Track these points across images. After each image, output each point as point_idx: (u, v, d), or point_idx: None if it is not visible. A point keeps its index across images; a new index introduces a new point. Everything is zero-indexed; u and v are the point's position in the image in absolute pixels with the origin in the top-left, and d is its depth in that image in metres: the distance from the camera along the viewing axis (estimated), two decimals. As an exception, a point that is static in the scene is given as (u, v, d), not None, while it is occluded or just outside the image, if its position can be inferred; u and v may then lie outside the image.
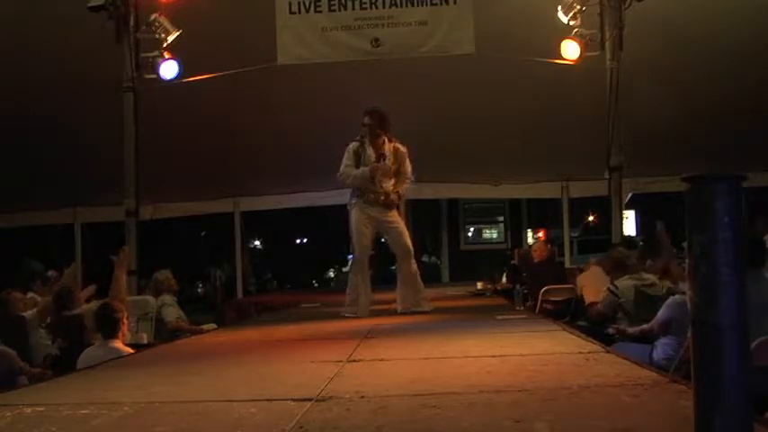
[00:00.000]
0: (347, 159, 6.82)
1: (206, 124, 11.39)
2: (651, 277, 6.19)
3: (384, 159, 6.76)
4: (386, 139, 6.86)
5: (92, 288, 6.99)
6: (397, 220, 6.91)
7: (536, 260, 9.21)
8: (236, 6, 9.53)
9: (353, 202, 6.90)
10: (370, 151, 6.79)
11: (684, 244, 1.96)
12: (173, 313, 7.40)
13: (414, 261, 6.98)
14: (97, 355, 4.87)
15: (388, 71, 10.17)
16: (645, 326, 5.28)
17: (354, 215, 6.87)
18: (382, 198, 6.79)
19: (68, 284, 6.32)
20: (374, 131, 6.76)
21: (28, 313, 6.04)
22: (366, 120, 6.76)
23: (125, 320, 5.24)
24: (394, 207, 6.92)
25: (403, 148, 6.95)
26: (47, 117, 10.96)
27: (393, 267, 7.35)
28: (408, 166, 6.96)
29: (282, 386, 3.27)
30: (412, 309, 6.85)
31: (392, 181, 6.84)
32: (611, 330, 5.82)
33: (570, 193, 14.45)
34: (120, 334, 5.14)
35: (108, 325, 5.10)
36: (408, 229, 7.16)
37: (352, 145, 6.84)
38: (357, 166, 6.77)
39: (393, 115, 10.78)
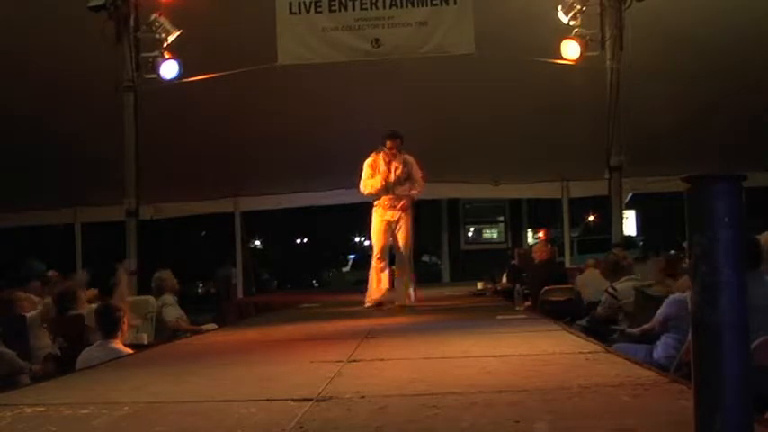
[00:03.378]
0: (365, 173, 7.79)
1: (206, 124, 11.40)
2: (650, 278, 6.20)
3: (396, 170, 7.69)
4: (398, 153, 7.76)
5: (92, 292, 7.00)
6: (405, 223, 7.77)
7: (537, 260, 9.20)
8: (236, 6, 9.53)
9: (374, 208, 7.87)
10: (382, 164, 7.73)
11: (685, 244, 1.96)
12: (173, 313, 7.39)
13: (409, 260, 7.92)
14: (97, 355, 4.87)
15: (388, 71, 10.16)
16: (646, 325, 5.28)
17: (374, 219, 7.87)
18: (395, 202, 7.72)
19: (74, 286, 6.31)
20: (396, 153, 7.70)
21: (30, 314, 6.04)
22: (389, 144, 7.68)
23: (125, 321, 5.24)
24: (406, 209, 7.80)
25: (410, 158, 7.82)
26: (47, 117, 10.96)
27: (393, 267, 7.98)
28: (418, 173, 7.80)
29: (282, 386, 3.27)
30: (412, 303, 7.79)
31: (404, 186, 7.74)
32: (615, 336, 5.81)
33: (570, 193, 14.45)
34: (120, 334, 5.14)
35: (108, 325, 5.10)
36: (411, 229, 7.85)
37: (368, 161, 7.79)
38: (374, 177, 7.77)
39: (393, 115, 10.88)
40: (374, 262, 7.91)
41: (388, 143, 7.68)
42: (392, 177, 7.66)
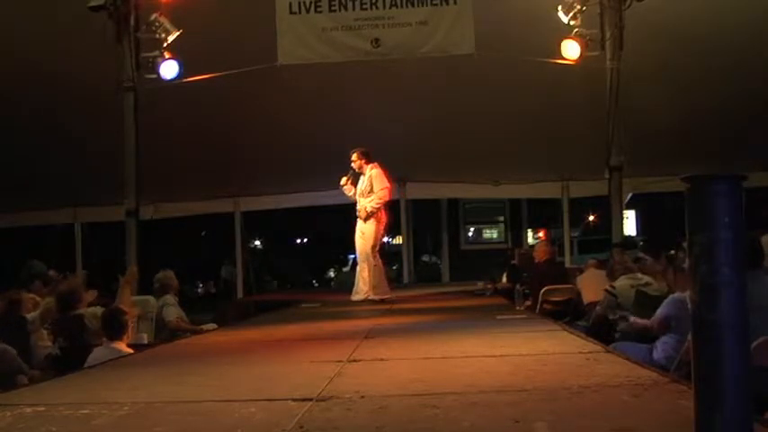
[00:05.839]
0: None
1: (206, 124, 11.39)
2: (646, 277, 6.20)
3: (361, 184, 8.70)
4: (367, 167, 8.65)
5: (93, 293, 6.98)
6: (365, 229, 8.74)
7: (538, 260, 9.18)
8: (236, 6, 9.53)
9: None
10: (346, 178, 8.83)
11: (685, 244, 1.96)
12: (174, 313, 7.38)
13: (370, 261, 8.76)
14: (101, 356, 4.88)
15: (388, 71, 10.16)
16: (647, 321, 5.28)
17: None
18: (359, 213, 8.77)
19: (76, 286, 6.31)
20: (361, 167, 8.68)
21: (31, 315, 6.04)
22: (352, 159, 8.66)
23: (131, 324, 5.27)
24: (367, 218, 8.70)
25: (376, 171, 8.65)
26: (47, 117, 10.96)
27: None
28: (379, 185, 8.64)
29: (282, 386, 3.27)
30: (376, 296, 8.65)
31: (368, 199, 8.65)
32: (611, 316, 5.83)
33: (570, 193, 14.43)
34: (126, 337, 5.16)
35: (114, 327, 5.12)
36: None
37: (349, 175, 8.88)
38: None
39: (393, 115, 10.89)
40: (356, 263, 9.23)
41: (351, 159, 8.70)
42: (356, 191, 8.73)
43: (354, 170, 8.73)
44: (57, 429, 2.60)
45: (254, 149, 12.26)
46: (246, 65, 9.13)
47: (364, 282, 8.85)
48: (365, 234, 8.76)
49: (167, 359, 4.67)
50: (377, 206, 8.72)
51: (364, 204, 8.70)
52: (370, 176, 8.68)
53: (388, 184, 8.84)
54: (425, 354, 4.17)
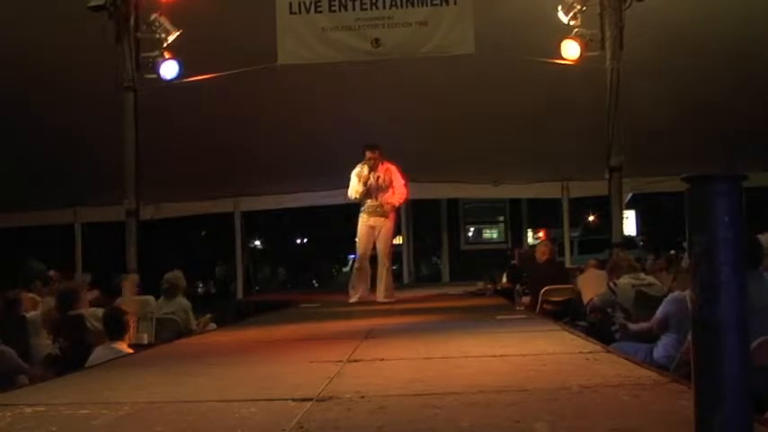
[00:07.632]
0: (352, 181, 8.62)
1: (206, 124, 11.39)
2: (649, 278, 6.20)
3: (378, 179, 8.52)
4: (380, 162, 8.61)
5: (95, 293, 6.99)
6: (385, 228, 8.58)
7: (540, 260, 9.18)
8: (236, 6, 9.52)
9: (360, 212, 8.72)
10: (367, 173, 8.57)
11: (685, 244, 1.96)
12: (194, 318, 7.26)
13: (387, 261, 8.63)
14: (102, 356, 4.89)
15: (388, 71, 10.16)
16: (645, 324, 5.28)
17: (359, 224, 8.71)
18: (378, 208, 8.53)
19: (76, 286, 6.32)
20: (378, 162, 8.55)
21: (31, 314, 6.04)
22: (369, 155, 8.53)
23: (132, 324, 5.28)
24: (387, 215, 8.59)
25: (392, 167, 8.63)
26: (47, 117, 10.96)
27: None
28: (399, 180, 8.62)
29: (282, 386, 3.27)
30: (385, 299, 8.54)
31: (387, 194, 8.54)
32: (613, 329, 5.83)
33: (570, 193, 14.44)
34: (127, 338, 5.17)
35: (116, 328, 5.13)
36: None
37: (355, 170, 8.62)
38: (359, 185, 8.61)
39: (393, 115, 10.89)
40: (357, 263, 8.96)
41: (368, 154, 8.55)
42: (374, 183, 8.49)
43: (371, 167, 8.57)
44: (57, 429, 2.60)
45: (254, 149, 12.27)
46: (246, 65, 9.11)
47: (384, 284, 8.71)
48: (382, 234, 8.58)
49: (167, 359, 4.67)
50: (400, 202, 8.73)
51: (389, 200, 8.56)
52: (389, 169, 8.61)
53: (403, 181, 8.79)
54: (425, 354, 4.17)
